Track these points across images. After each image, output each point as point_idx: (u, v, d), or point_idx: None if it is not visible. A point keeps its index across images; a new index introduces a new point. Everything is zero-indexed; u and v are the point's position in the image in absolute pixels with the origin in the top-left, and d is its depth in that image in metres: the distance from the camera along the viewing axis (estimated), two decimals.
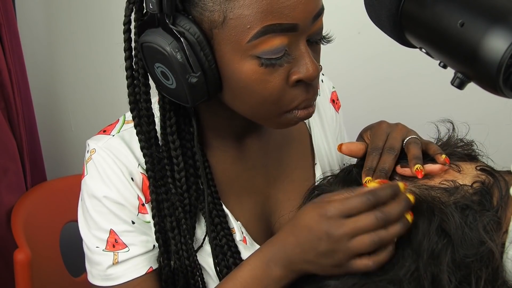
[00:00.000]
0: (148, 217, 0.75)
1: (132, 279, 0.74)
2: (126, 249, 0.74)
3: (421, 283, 0.60)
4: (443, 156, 0.66)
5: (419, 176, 0.66)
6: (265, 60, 0.61)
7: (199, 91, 0.64)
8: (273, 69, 0.62)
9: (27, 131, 1.42)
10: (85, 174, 0.75)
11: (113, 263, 0.74)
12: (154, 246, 0.76)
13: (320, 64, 0.67)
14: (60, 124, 1.69)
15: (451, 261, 0.59)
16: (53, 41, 1.61)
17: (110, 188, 0.73)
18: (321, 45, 0.68)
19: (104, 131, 0.77)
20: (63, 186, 1.39)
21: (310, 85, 0.65)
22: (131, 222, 0.74)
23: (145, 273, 0.75)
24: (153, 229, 0.75)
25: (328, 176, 0.75)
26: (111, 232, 0.74)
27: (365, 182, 0.67)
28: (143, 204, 0.75)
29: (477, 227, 0.59)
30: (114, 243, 0.74)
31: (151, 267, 0.75)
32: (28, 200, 1.33)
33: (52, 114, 1.67)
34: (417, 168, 0.66)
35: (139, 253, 0.75)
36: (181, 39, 0.61)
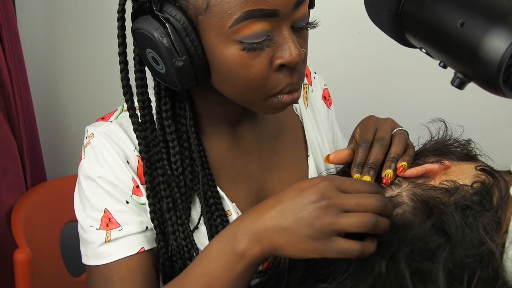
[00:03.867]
0: (143, 199, 0.76)
1: (123, 258, 0.74)
2: (119, 228, 0.75)
3: (421, 283, 0.60)
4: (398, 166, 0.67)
5: (384, 181, 0.66)
6: (247, 45, 0.63)
7: (186, 75, 0.67)
8: (255, 53, 0.64)
9: (27, 131, 1.42)
10: (83, 157, 0.77)
11: (105, 241, 0.74)
12: (147, 227, 0.76)
13: (305, 49, 0.68)
14: (60, 124, 1.69)
15: (451, 261, 0.59)
16: (53, 41, 1.61)
17: (105, 169, 0.75)
18: (309, 31, 0.69)
19: (103, 118, 0.80)
20: (63, 186, 1.39)
21: (294, 70, 0.67)
22: (125, 201, 0.75)
23: (137, 252, 0.74)
24: (148, 210, 0.76)
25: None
26: (105, 211, 0.75)
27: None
28: (137, 186, 0.76)
29: (477, 227, 0.59)
30: (108, 222, 0.75)
31: (142, 247, 0.75)
32: (28, 200, 1.33)
33: (52, 114, 1.67)
34: (385, 175, 0.66)
35: (132, 232, 0.75)
36: (167, 24, 0.64)
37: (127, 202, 0.75)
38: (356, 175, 0.68)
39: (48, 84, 1.64)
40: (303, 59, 0.68)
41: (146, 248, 0.75)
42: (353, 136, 0.77)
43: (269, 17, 0.62)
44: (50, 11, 1.58)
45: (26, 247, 1.16)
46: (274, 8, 0.61)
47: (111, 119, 0.79)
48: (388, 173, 0.67)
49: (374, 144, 0.71)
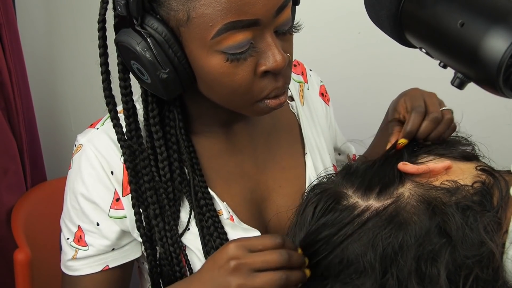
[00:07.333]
0: (123, 212, 0.77)
1: (87, 274, 0.78)
2: (86, 247, 0.77)
3: (421, 284, 0.59)
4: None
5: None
6: (230, 55, 0.63)
7: (172, 86, 0.67)
8: (238, 62, 0.64)
9: (27, 131, 1.42)
10: (71, 167, 0.79)
11: (71, 258, 0.78)
12: (113, 249, 0.78)
13: (289, 54, 0.68)
14: (60, 124, 1.69)
15: (452, 262, 0.59)
16: (53, 41, 1.61)
17: (85, 186, 0.76)
18: (295, 34, 0.69)
19: (92, 125, 0.81)
20: (63, 186, 1.37)
21: (278, 75, 0.67)
22: (96, 224, 0.77)
23: (100, 271, 0.78)
24: (128, 223, 0.77)
25: (329, 174, 0.75)
26: (79, 228, 0.78)
27: (400, 143, 0.73)
28: (117, 199, 0.76)
29: (477, 227, 0.59)
30: (79, 238, 0.78)
31: (107, 265, 0.78)
32: (28, 200, 1.32)
33: (52, 114, 1.67)
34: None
35: (96, 253, 0.78)
36: (148, 39, 0.64)
37: (98, 224, 0.77)
38: (402, 140, 0.73)
39: (48, 84, 1.64)
40: (288, 63, 0.68)
41: (110, 266, 0.78)
42: (395, 109, 0.81)
43: (251, 26, 0.62)
44: (50, 11, 1.58)
45: (26, 247, 1.16)
46: (254, 18, 0.61)
47: (97, 125, 0.79)
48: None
49: (430, 117, 0.75)
